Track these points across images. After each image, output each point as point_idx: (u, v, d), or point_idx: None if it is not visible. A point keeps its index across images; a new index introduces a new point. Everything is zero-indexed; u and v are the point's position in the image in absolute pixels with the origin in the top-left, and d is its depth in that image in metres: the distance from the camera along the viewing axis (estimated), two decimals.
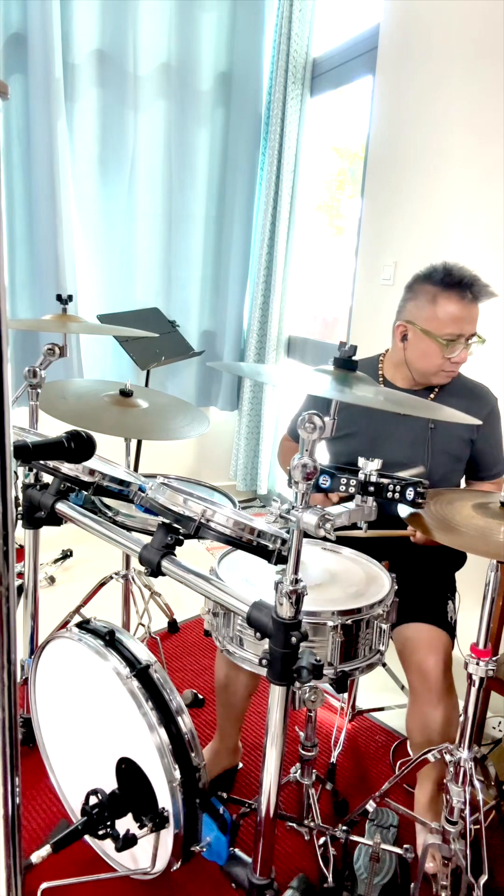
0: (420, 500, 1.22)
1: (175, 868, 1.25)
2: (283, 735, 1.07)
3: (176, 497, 1.13)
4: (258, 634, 1.03)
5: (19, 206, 3.01)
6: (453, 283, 1.54)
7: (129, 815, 1.27)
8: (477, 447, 1.70)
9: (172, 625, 2.49)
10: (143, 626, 2.20)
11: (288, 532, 1.02)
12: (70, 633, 1.34)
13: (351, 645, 1.23)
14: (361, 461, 1.25)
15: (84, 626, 1.36)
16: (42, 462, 1.43)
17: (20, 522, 1.53)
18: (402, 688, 2.03)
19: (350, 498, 1.25)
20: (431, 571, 1.68)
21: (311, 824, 1.51)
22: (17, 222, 3.02)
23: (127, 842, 1.21)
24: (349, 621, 1.21)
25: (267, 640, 1.02)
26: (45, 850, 1.23)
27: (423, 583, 1.64)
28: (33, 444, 1.06)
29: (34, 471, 1.55)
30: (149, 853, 1.26)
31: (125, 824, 1.25)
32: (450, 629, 1.56)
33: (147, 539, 1.21)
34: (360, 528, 1.22)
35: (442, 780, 1.45)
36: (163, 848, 1.24)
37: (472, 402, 1.68)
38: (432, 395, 1.70)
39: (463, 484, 1.78)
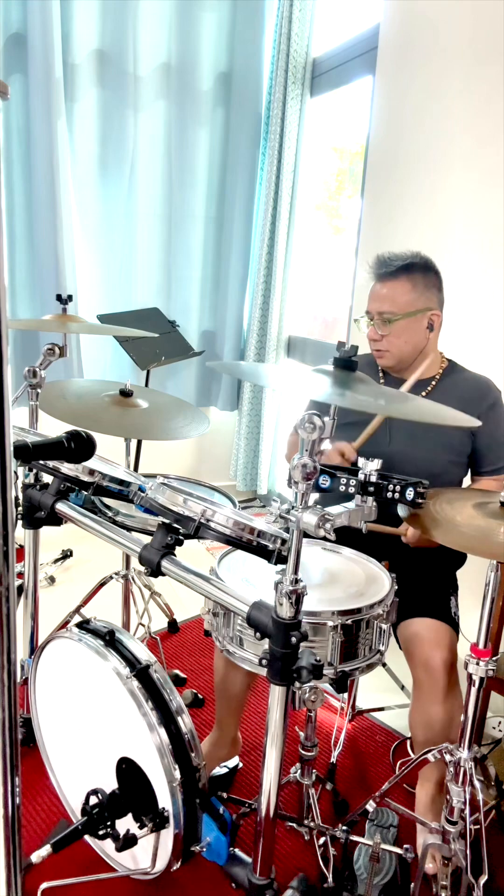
0: (420, 500, 1.22)
1: (175, 868, 1.25)
2: (283, 735, 1.07)
3: (176, 497, 1.13)
4: (258, 634, 1.03)
5: (19, 206, 3.01)
6: (373, 265, 1.73)
7: (129, 815, 1.26)
8: (478, 440, 1.69)
9: (172, 625, 2.49)
10: (143, 626, 2.20)
11: (288, 532, 1.02)
12: (70, 633, 1.34)
13: (351, 645, 1.23)
14: (361, 461, 1.25)
15: (84, 626, 1.36)
16: (42, 462, 1.43)
17: (20, 522, 1.53)
18: (402, 688, 2.03)
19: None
20: (432, 570, 1.68)
21: (311, 824, 1.51)
22: (17, 222, 3.02)
23: (127, 842, 1.21)
24: (349, 621, 1.21)
25: (267, 640, 1.02)
26: (45, 850, 1.23)
27: (425, 580, 1.64)
28: (33, 444, 1.06)
29: (34, 471, 1.55)
30: (149, 853, 1.26)
31: (125, 824, 1.25)
32: (454, 625, 1.57)
33: (147, 539, 1.21)
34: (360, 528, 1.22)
35: (443, 780, 1.45)
36: (163, 848, 1.24)
37: (472, 395, 1.68)
38: (431, 386, 1.71)
39: (468, 480, 1.78)
